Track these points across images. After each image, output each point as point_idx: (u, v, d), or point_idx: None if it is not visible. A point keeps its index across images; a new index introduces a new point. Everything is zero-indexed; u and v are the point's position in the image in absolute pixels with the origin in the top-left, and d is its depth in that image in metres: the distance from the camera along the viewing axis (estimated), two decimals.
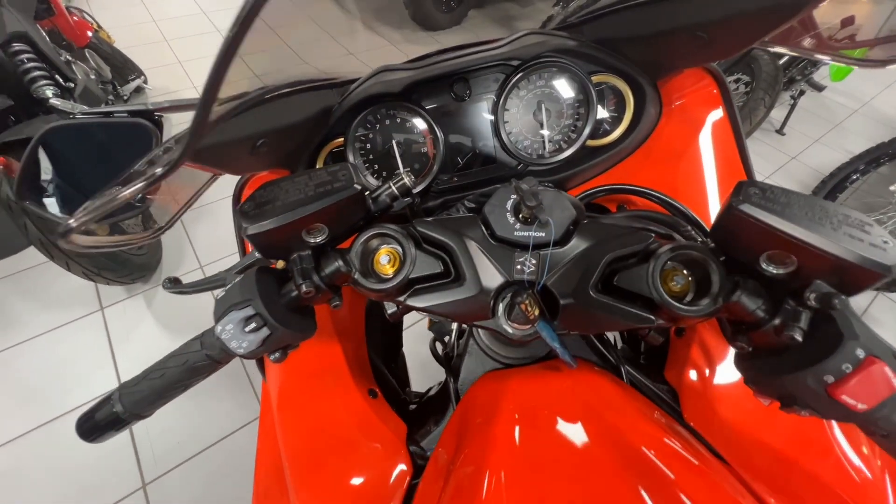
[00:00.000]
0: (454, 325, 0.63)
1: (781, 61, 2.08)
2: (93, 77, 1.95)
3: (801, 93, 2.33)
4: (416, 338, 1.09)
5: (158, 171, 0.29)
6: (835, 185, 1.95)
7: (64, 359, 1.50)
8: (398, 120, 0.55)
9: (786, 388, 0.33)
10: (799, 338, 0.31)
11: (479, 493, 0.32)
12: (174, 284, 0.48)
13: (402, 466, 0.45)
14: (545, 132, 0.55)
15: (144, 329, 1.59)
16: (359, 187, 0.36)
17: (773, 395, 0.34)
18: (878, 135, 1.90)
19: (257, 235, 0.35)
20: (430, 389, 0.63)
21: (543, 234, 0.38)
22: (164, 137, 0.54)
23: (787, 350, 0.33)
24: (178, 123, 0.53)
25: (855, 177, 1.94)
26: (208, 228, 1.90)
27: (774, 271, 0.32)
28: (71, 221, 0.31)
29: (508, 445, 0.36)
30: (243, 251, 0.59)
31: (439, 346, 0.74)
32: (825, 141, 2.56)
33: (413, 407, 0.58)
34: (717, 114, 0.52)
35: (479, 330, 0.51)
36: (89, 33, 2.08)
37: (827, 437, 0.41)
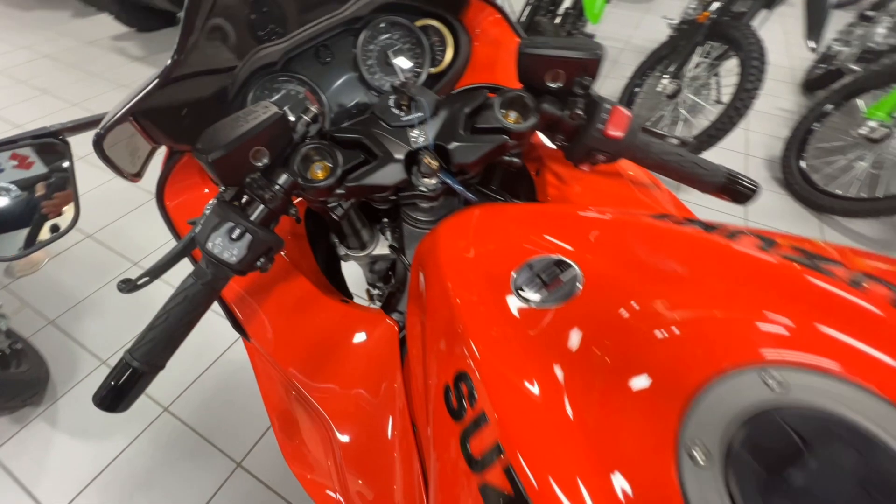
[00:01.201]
0: (388, 239, 0.76)
1: (556, 21, 2.64)
2: None
3: None
4: None
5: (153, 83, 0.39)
6: (627, 100, 2.55)
7: None
8: (283, 91, 0.67)
9: (588, 147, 0.54)
10: (582, 113, 0.53)
11: (449, 295, 0.45)
12: (128, 284, 0.51)
13: (389, 327, 0.57)
14: (399, 72, 0.73)
15: (60, 451, 1.38)
16: (281, 111, 0.48)
17: (585, 159, 0.56)
18: (640, 59, 2.54)
19: (216, 162, 0.44)
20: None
21: (421, 113, 0.55)
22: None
23: (581, 127, 0.54)
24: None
25: (636, 90, 2.56)
26: (95, 322, 1.71)
27: (555, 85, 0.53)
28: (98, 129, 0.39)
29: (454, 253, 0.51)
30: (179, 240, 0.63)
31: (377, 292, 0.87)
32: (611, 75, 3.28)
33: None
34: (504, 28, 0.75)
35: (406, 211, 0.65)
36: None
37: (633, 192, 0.65)
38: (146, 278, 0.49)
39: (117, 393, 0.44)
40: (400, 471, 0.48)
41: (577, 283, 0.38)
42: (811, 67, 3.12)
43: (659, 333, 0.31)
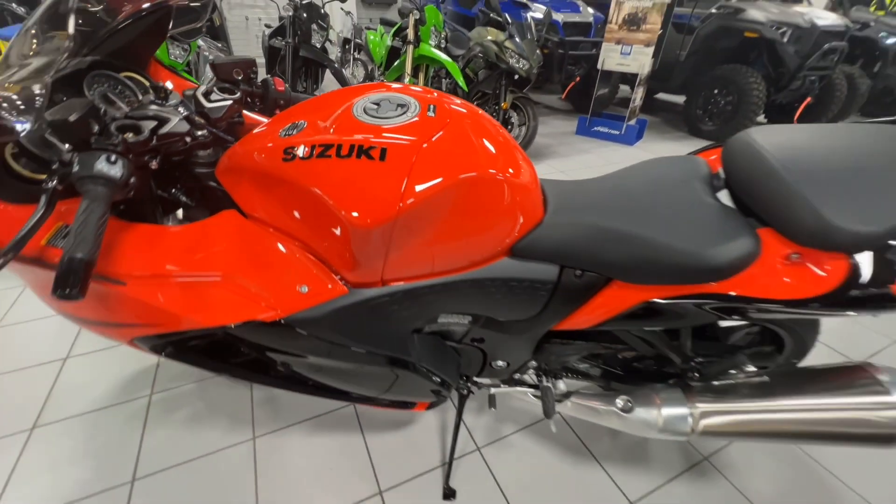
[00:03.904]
0: (188, 199, 1.02)
1: None
2: None
3: None
4: None
5: None
6: None
7: None
8: None
9: (272, 100, 1.11)
10: (260, 84, 1.10)
11: (252, 158, 0.88)
12: None
13: (227, 210, 0.91)
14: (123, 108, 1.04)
15: None
16: (91, 101, 0.76)
17: (273, 108, 1.14)
18: None
19: (78, 121, 0.70)
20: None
21: (177, 100, 0.95)
22: None
23: (264, 93, 1.11)
24: None
25: None
26: None
27: (240, 77, 1.05)
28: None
29: (243, 146, 0.88)
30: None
31: None
32: None
33: None
34: (183, 81, 1.21)
35: (193, 162, 0.98)
36: None
37: None
38: (7, 257, 0.56)
39: (74, 281, 0.55)
40: (305, 244, 0.77)
41: (304, 125, 0.94)
42: None
43: (334, 121, 0.91)
